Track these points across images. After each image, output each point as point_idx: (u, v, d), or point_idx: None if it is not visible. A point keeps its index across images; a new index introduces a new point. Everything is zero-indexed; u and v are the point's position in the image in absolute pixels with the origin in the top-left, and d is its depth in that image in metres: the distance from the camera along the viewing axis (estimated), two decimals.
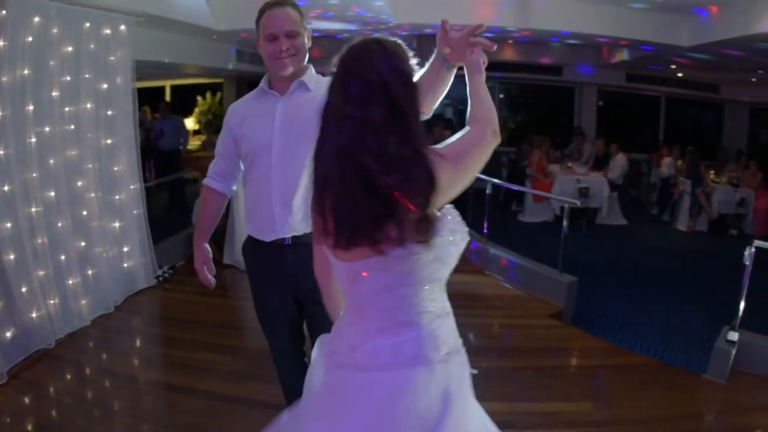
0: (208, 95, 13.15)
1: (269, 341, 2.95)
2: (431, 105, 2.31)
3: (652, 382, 4.64)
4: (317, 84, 2.59)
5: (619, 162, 10.92)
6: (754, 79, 11.59)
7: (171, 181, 9.40)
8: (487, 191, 7.69)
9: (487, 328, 5.56)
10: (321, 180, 1.53)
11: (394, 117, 1.46)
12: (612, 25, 7.17)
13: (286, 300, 2.76)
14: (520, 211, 10.95)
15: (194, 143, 12.60)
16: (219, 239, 6.59)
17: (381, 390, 1.57)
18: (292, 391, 2.96)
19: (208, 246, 2.88)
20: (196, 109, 13.09)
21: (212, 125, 12.67)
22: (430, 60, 2.30)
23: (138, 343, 5.20)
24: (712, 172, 11.16)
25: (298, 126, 2.50)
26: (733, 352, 4.68)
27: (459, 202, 1.67)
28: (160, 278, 6.16)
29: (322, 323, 2.68)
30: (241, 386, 4.20)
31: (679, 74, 11.89)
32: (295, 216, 2.54)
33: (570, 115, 14.21)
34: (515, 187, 9.82)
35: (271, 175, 2.60)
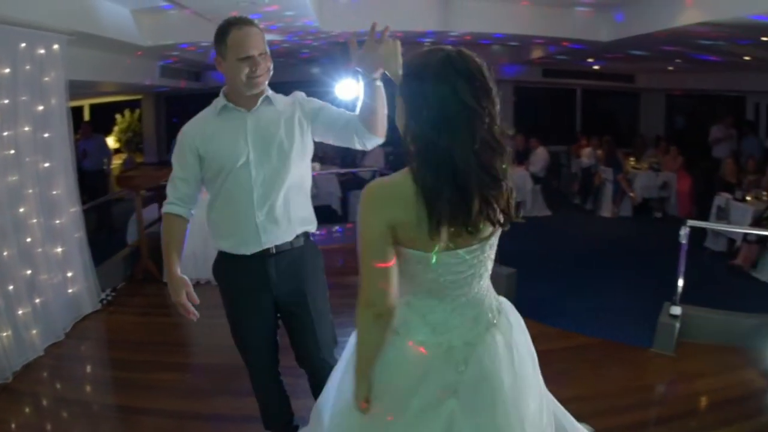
0: (127, 113, 12.96)
1: (249, 359, 3.01)
2: (379, 125, 2.66)
3: (606, 360, 4.99)
4: (277, 98, 2.75)
5: (540, 155, 11.43)
6: (671, 68, 12.38)
7: (98, 202, 9.24)
8: None
9: None
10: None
11: None
12: (537, 24, 7.55)
13: (268, 310, 2.88)
14: None
15: (115, 162, 12.39)
16: (157, 258, 6.49)
17: None
18: (273, 408, 3.17)
19: (183, 275, 2.79)
20: (116, 128, 12.87)
21: (132, 143, 12.51)
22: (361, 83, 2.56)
23: (93, 369, 5.12)
24: (632, 159, 11.85)
25: (270, 139, 2.67)
26: (677, 325, 5.08)
27: None
28: (104, 301, 6.08)
29: (307, 322, 2.84)
30: (207, 402, 4.23)
31: (596, 67, 12.56)
32: (281, 225, 2.71)
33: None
34: None
35: (253, 189, 2.67)
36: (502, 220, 1.78)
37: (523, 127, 13.17)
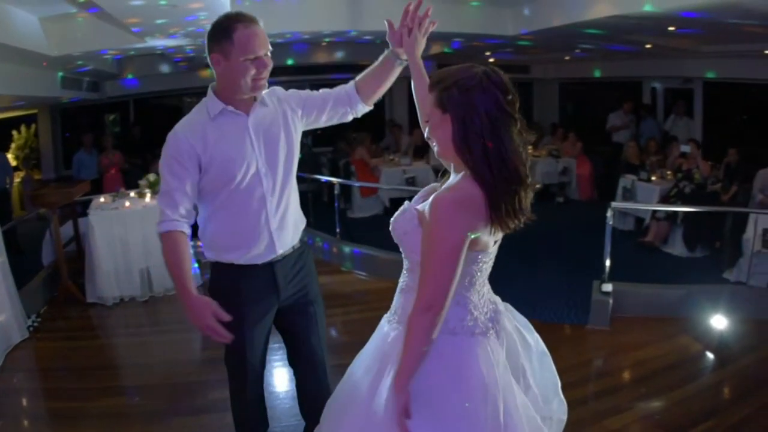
0: (23, 128, 12.30)
1: (246, 372, 2.87)
2: (376, 97, 2.89)
3: (548, 340, 5.26)
4: (266, 98, 2.67)
5: None
6: (567, 58, 13.13)
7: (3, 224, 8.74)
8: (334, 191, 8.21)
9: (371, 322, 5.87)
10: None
11: None
12: (442, 20, 7.86)
13: (271, 318, 2.86)
14: (349, 208, 11.44)
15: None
16: (77, 278, 6.43)
17: None
18: (253, 422, 3.07)
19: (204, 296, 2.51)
20: (12, 145, 12.17)
21: (30, 160, 11.95)
22: (382, 57, 2.80)
23: (33, 402, 4.88)
24: (530, 147, 12.47)
25: (275, 142, 2.64)
26: (611, 301, 5.54)
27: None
28: (31, 328, 5.81)
29: (313, 319, 2.91)
30: (166, 425, 4.17)
31: (491, 59, 13.13)
32: (289, 230, 2.77)
33: (381, 109, 15.07)
34: (357, 184, 10.49)
35: (266, 197, 2.64)
36: (526, 214, 2.04)
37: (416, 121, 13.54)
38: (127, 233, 6.41)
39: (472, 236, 1.93)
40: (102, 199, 7.03)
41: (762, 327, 5.34)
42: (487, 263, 2.12)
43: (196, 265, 6.68)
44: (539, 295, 6.37)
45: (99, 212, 6.59)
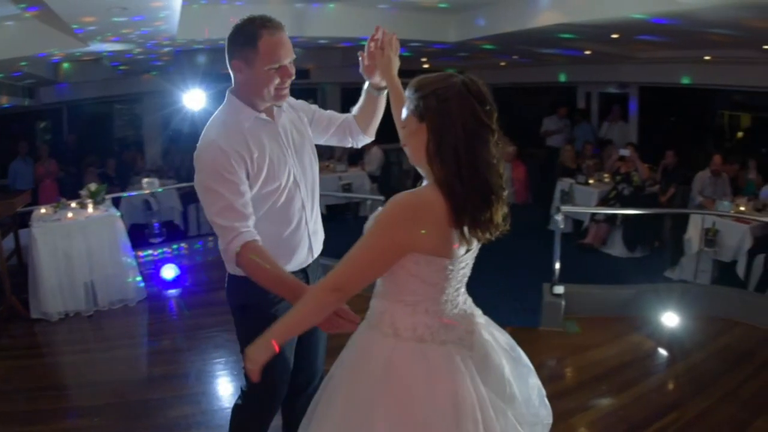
0: None
1: (279, 384, 2.73)
2: (373, 128, 2.97)
3: None
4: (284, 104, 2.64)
5: (375, 155, 11.90)
6: (503, 64, 13.46)
7: None
8: None
9: None
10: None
11: None
12: (392, 28, 7.97)
13: None
14: None
15: None
16: (20, 293, 6.20)
17: None
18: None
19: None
20: None
21: None
22: (363, 93, 2.87)
23: None
24: None
25: (302, 147, 2.68)
26: (563, 302, 5.73)
27: None
28: None
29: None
30: None
31: (426, 65, 13.37)
32: (320, 234, 2.84)
33: None
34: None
35: (305, 202, 2.66)
36: (499, 227, 2.08)
37: None
38: (70, 245, 6.22)
39: (409, 246, 1.98)
40: (43, 210, 6.80)
41: (710, 323, 5.65)
42: (457, 272, 2.12)
43: (139, 278, 6.61)
44: (488, 299, 6.47)
45: (41, 224, 6.38)
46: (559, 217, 5.95)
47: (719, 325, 5.63)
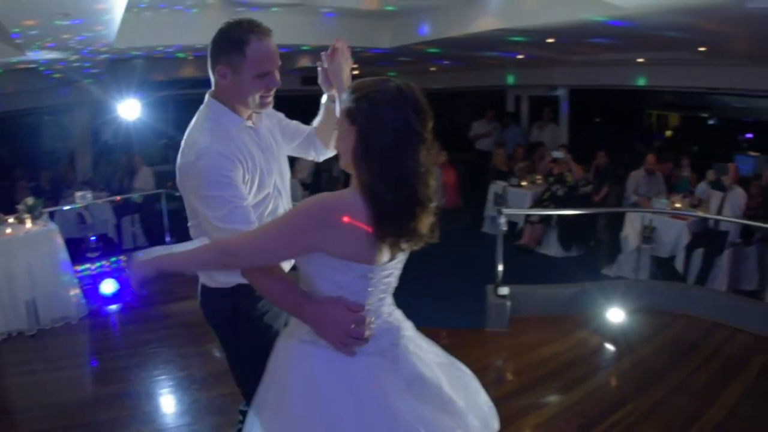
0: None
1: None
2: (333, 142, 2.78)
3: (454, 345, 5.44)
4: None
5: (306, 162, 11.88)
6: (433, 68, 13.55)
7: None
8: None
9: None
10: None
11: None
12: (314, 33, 7.95)
13: None
14: None
15: None
16: None
17: None
18: None
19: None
20: None
21: None
22: (322, 106, 2.80)
23: None
24: None
25: (280, 154, 2.64)
26: (509, 303, 5.79)
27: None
28: None
29: None
30: None
31: (356, 72, 13.42)
32: None
33: None
34: None
35: (283, 210, 2.62)
36: (427, 236, 2.04)
37: None
38: (11, 263, 5.98)
39: (314, 247, 1.97)
40: None
41: (655, 317, 5.83)
42: (379, 281, 2.06)
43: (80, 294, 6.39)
44: (430, 304, 6.54)
45: None
46: (502, 219, 6.01)
47: (664, 319, 5.81)
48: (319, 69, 2.62)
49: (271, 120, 2.68)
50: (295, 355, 2.09)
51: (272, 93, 2.41)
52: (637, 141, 12.40)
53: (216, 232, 2.24)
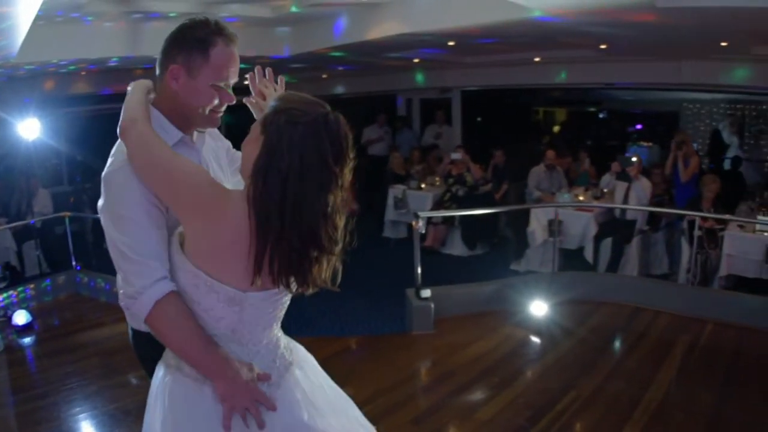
0: None
1: None
2: None
3: (383, 352, 5.56)
4: None
5: None
6: (324, 76, 13.69)
7: None
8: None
9: None
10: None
11: None
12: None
13: None
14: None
15: None
16: None
17: None
18: None
19: None
20: None
21: None
22: None
23: None
24: None
25: (223, 177, 2.34)
26: (432, 305, 5.88)
27: None
28: None
29: None
30: None
31: (246, 82, 13.25)
32: None
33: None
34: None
35: None
36: (317, 282, 1.89)
37: None
38: None
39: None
40: None
41: (577, 306, 6.13)
42: (245, 312, 1.88)
43: None
44: (349, 312, 6.56)
45: None
46: (420, 223, 6.08)
47: (586, 308, 6.11)
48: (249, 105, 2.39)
49: (218, 143, 2.44)
50: (158, 381, 1.93)
51: (223, 109, 2.13)
52: (528, 138, 12.89)
53: (119, 261, 1.92)
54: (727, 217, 6.80)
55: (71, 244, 7.75)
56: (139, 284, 1.84)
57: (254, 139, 1.81)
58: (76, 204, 10.65)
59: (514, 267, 8.02)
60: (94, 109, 12.59)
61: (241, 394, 1.84)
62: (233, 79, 2.09)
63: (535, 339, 5.59)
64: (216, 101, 2.06)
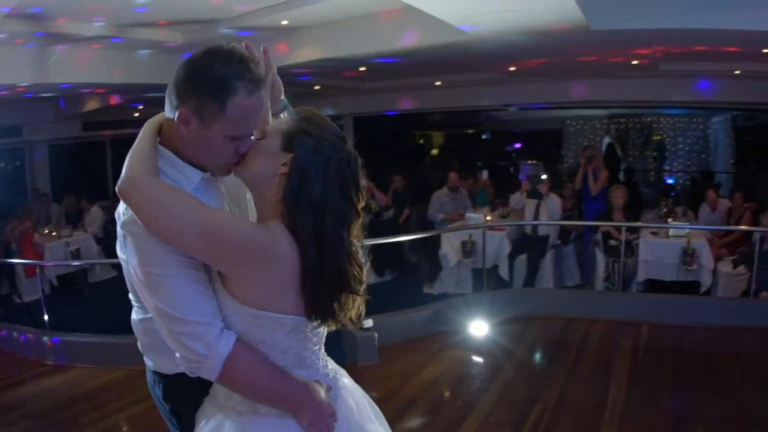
0: None
1: None
2: None
3: None
4: None
5: (95, 214, 11.34)
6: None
7: None
8: None
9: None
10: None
11: None
12: (127, 71, 7.74)
13: None
14: (15, 293, 10.35)
15: None
16: None
17: None
18: None
19: None
20: None
21: None
22: None
23: None
24: None
25: (243, 208, 2.17)
26: (376, 334, 6.09)
27: None
28: None
29: None
30: None
31: (136, 114, 12.99)
32: None
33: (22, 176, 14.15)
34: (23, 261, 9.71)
35: None
36: (345, 322, 1.90)
37: (63, 187, 13.04)
38: None
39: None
40: None
41: (513, 323, 6.61)
42: (307, 338, 1.88)
43: None
44: None
45: None
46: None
47: (521, 324, 6.60)
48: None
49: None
50: (235, 429, 1.83)
51: (241, 156, 1.83)
52: (419, 161, 13.39)
53: (166, 321, 1.73)
54: (643, 225, 7.51)
55: None
56: (200, 348, 1.70)
57: (273, 153, 1.75)
58: None
59: (428, 290, 8.40)
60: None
61: (324, 415, 1.84)
62: (256, 128, 1.82)
63: (481, 359, 5.95)
64: (232, 152, 1.80)
